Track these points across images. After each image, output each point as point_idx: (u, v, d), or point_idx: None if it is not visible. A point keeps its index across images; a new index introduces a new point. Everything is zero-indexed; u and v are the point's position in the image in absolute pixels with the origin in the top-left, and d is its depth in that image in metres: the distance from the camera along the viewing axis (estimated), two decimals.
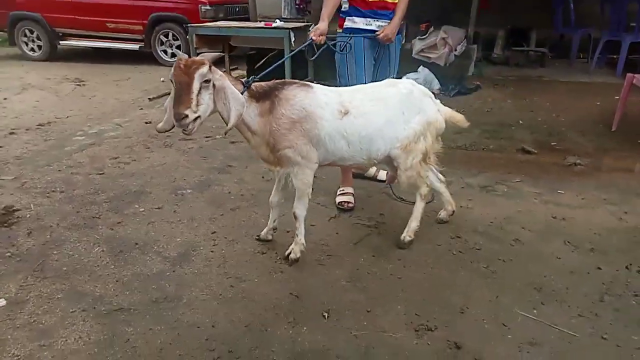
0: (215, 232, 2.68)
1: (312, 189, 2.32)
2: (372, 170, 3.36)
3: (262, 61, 6.57)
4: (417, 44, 5.64)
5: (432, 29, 6.00)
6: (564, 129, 4.51)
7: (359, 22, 2.83)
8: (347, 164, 2.40)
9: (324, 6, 2.77)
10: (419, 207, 2.58)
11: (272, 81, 2.19)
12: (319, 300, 2.12)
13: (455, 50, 5.83)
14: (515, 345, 1.88)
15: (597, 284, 2.24)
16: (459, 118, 2.60)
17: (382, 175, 3.35)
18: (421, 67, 5.78)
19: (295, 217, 2.34)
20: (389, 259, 2.45)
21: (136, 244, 2.54)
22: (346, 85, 2.72)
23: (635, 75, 4.26)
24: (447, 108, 2.55)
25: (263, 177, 3.40)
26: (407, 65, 5.63)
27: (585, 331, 1.95)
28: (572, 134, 4.38)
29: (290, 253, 2.39)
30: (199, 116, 1.89)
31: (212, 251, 2.49)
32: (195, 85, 1.86)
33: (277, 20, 5.63)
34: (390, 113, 2.30)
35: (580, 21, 6.64)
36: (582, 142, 4.16)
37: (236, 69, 7.41)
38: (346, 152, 2.28)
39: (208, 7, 7.32)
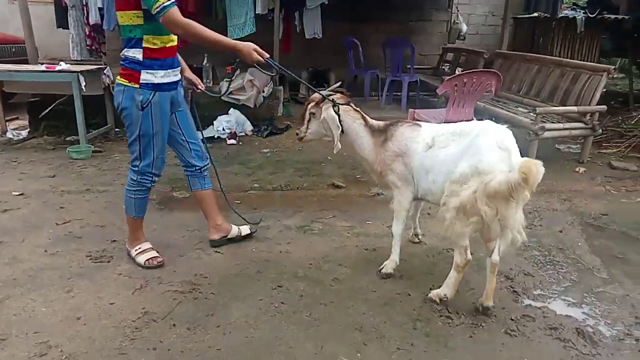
0: None
1: None
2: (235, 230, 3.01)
3: (48, 109, 5.69)
4: (225, 86, 5.58)
5: (238, 71, 6.02)
6: None
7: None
8: (431, 199, 2.48)
9: (216, 36, 2.48)
10: (450, 276, 2.36)
11: (388, 120, 2.63)
12: None
13: (264, 91, 5.95)
14: None
15: (408, 311, 2.35)
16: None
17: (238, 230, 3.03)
18: (232, 109, 5.73)
19: (392, 235, 2.65)
20: (206, 328, 2.18)
21: None
22: None
23: (416, 110, 4.93)
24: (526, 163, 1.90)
25: (46, 251, 2.80)
26: (217, 107, 5.52)
27: None
28: None
29: (382, 268, 2.66)
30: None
31: None
32: (306, 116, 2.65)
33: (62, 63, 4.92)
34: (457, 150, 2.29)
35: (369, 63, 7.52)
36: None
37: (17, 118, 6.28)
38: (426, 184, 2.44)
39: None
